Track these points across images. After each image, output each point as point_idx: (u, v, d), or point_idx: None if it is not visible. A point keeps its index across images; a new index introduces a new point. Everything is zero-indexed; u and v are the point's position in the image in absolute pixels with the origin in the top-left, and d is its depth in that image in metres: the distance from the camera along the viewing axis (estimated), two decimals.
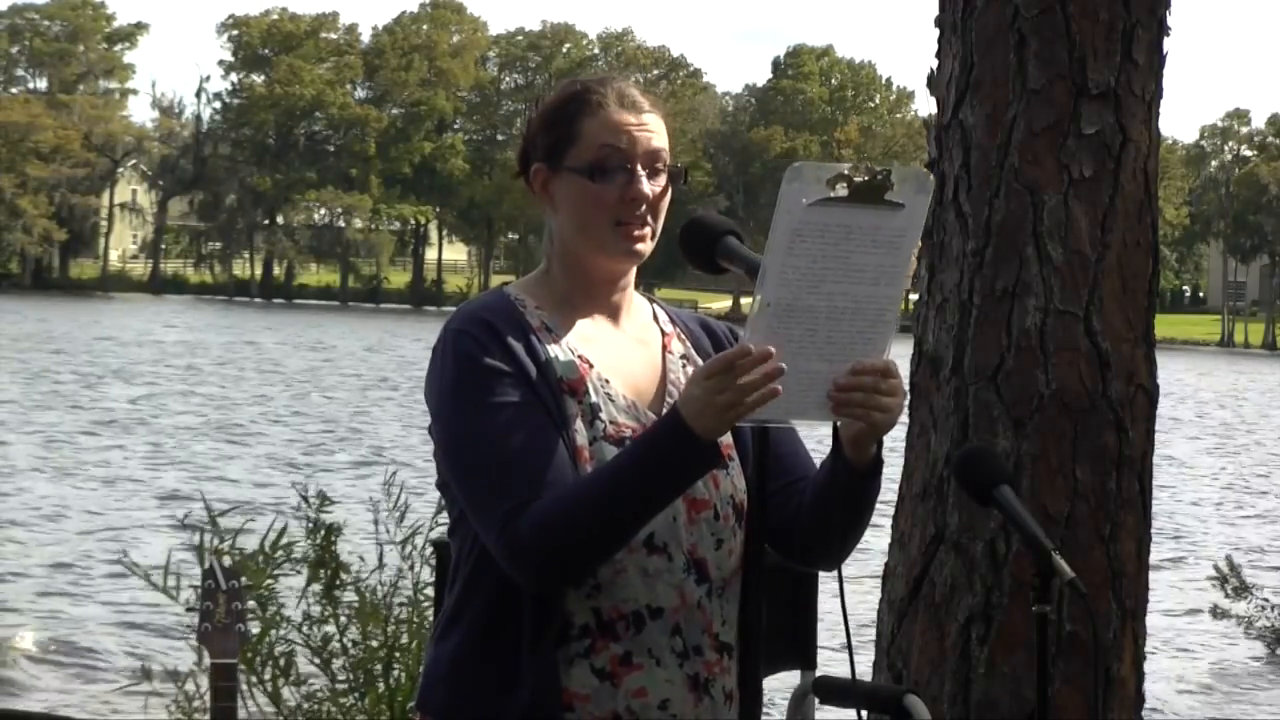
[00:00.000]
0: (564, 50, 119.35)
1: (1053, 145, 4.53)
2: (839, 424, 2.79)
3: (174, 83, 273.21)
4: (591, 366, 2.91)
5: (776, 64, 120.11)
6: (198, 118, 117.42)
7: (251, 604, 6.53)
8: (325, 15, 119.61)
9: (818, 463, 2.93)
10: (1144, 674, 4.66)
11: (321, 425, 31.80)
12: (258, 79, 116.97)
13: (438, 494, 3.03)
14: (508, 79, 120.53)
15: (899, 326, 2.73)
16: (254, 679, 6.98)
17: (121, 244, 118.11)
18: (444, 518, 3.06)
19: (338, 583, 7.21)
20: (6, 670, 12.07)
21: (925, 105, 4.84)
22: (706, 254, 2.88)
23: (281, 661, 7.04)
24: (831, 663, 3.64)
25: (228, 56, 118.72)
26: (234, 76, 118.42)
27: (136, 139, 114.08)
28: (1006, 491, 3.03)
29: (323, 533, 7.25)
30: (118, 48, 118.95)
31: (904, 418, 2.95)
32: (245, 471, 23.87)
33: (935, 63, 4.76)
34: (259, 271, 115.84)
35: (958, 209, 4.60)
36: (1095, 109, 4.54)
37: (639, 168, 2.89)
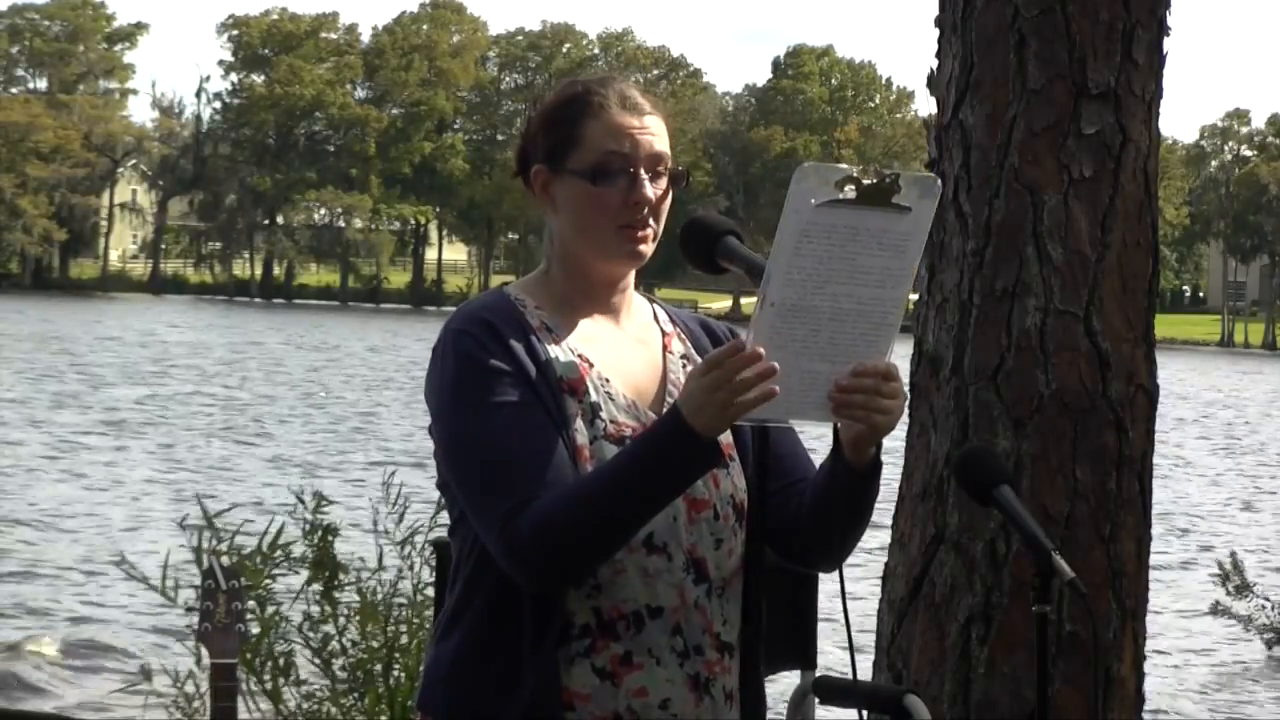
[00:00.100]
0: (564, 50, 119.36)
1: (1053, 145, 4.53)
2: (839, 425, 2.79)
3: (174, 83, 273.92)
4: (592, 366, 2.91)
5: (776, 64, 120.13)
6: (198, 118, 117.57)
7: (251, 604, 6.54)
8: (325, 15, 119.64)
9: (818, 463, 2.93)
10: (1144, 674, 4.66)
11: (329, 425, 31.83)
12: (258, 79, 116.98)
13: (438, 494, 3.03)
14: (508, 79, 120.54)
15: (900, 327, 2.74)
16: (254, 679, 6.98)
17: (121, 244, 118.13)
18: (444, 518, 3.05)
19: (336, 583, 7.21)
20: (8, 671, 12.07)
21: (925, 105, 4.84)
22: (706, 254, 2.88)
23: (281, 662, 7.04)
24: (831, 663, 3.64)
25: (228, 56, 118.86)
26: (234, 76, 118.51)
27: (136, 139, 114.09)
28: (1006, 491, 3.03)
29: (320, 533, 7.24)
30: (118, 48, 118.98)
31: (904, 418, 2.95)
32: (252, 472, 23.87)
33: (935, 63, 4.76)
34: (259, 271, 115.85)
35: (958, 209, 4.60)
36: (1095, 109, 4.54)
37: (641, 171, 2.89)
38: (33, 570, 15.96)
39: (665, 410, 2.81)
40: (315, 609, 7.21)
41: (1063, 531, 4.44)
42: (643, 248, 2.91)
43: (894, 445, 3.30)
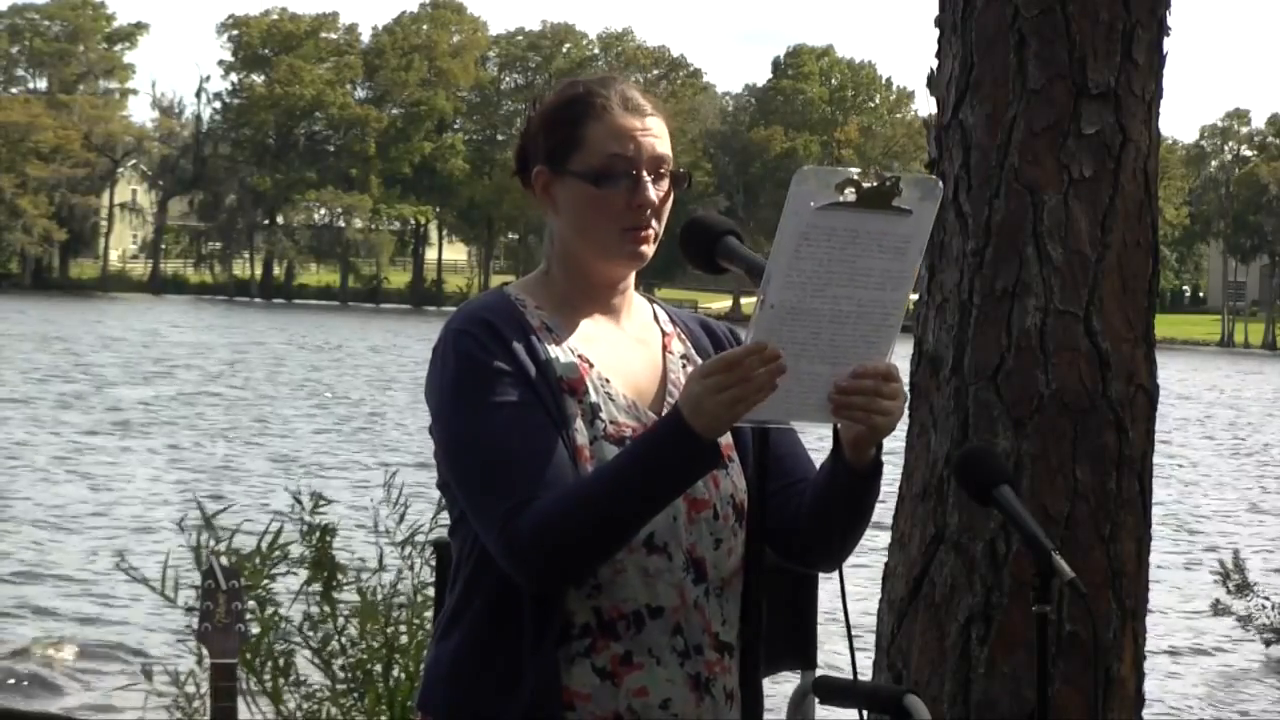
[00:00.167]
0: (564, 50, 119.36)
1: (1053, 145, 4.53)
2: (839, 426, 2.79)
3: (174, 83, 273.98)
4: (592, 366, 2.91)
5: (776, 64, 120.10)
6: (198, 118, 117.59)
7: (251, 604, 6.54)
8: (325, 15, 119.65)
9: (818, 464, 2.93)
10: (1144, 674, 4.66)
11: (334, 425, 31.83)
12: (258, 79, 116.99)
13: (438, 494, 3.03)
14: (508, 79, 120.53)
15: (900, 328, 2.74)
16: (254, 679, 6.97)
17: (121, 244, 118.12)
18: (445, 518, 3.05)
19: (334, 583, 7.21)
20: (9, 670, 12.08)
21: (925, 105, 4.84)
22: (706, 254, 2.88)
23: (281, 662, 7.04)
24: (832, 663, 3.64)
25: (228, 56, 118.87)
26: (234, 76, 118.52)
27: (136, 139, 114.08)
28: (1006, 491, 3.03)
29: (317, 534, 7.24)
30: (118, 48, 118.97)
31: (904, 418, 2.95)
32: (257, 472, 23.87)
33: (935, 63, 4.76)
34: (259, 271, 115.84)
35: (958, 209, 4.60)
36: (1095, 109, 4.54)
37: (644, 174, 2.89)
38: (35, 570, 15.97)
39: (666, 411, 2.81)
40: (315, 609, 7.21)
41: (1063, 531, 4.44)
42: (644, 250, 2.91)
43: (894, 445, 3.30)
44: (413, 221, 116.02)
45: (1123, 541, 4.54)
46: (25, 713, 10.25)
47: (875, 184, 2.61)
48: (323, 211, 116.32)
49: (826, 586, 3.33)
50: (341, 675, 7.15)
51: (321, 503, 7.42)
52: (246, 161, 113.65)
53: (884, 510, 3.50)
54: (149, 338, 59.92)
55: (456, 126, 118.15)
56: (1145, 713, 4.70)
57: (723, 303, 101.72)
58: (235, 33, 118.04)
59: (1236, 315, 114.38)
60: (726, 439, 2.86)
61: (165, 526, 17.78)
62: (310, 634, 7.15)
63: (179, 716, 7.06)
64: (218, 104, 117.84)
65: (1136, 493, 4.57)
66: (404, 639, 7.11)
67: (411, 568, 7.23)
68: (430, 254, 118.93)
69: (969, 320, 4.56)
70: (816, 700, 3.58)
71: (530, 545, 2.73)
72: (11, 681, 11.78)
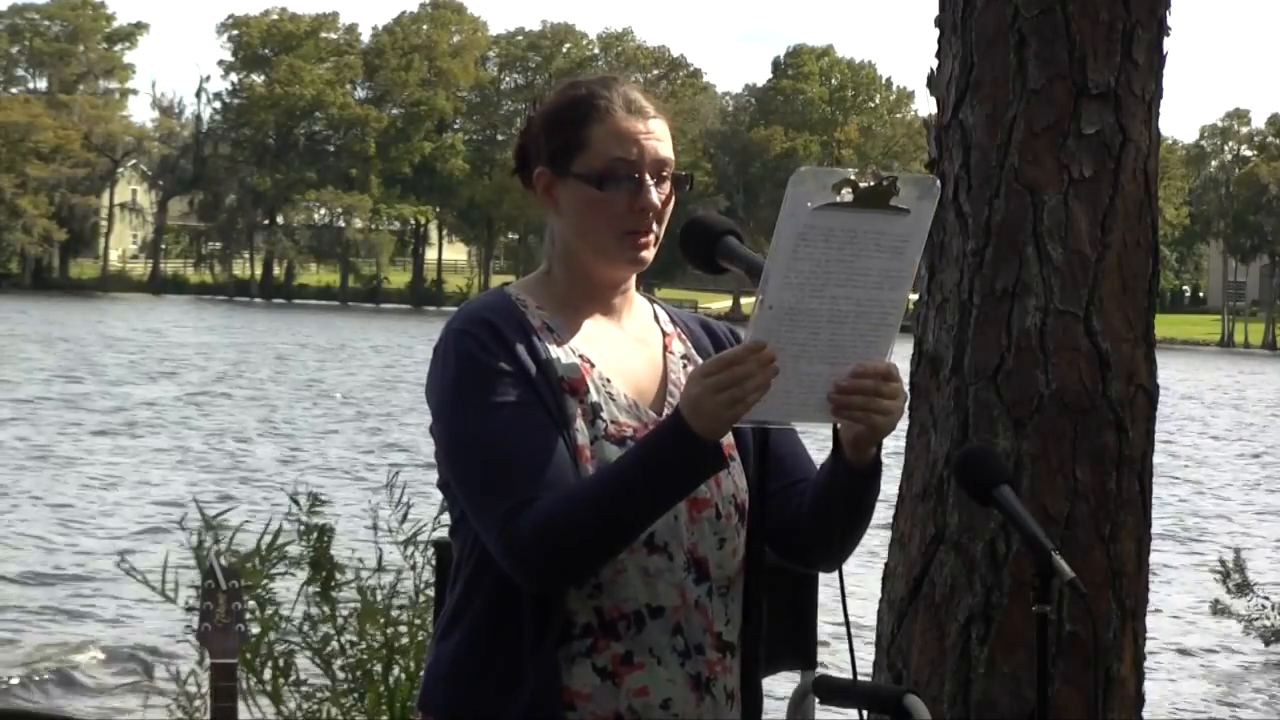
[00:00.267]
0: (564, 50, 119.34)
1: (1053, 145, 4.53)
2: (839, 426, 2.79)
3: (174, 83, 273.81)
4: (593, 366, 2.91)
5: (776, 64, 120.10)
6: (198, 118, 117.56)
7: (251, 604, 6.54)
8: (325, 15, 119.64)
9: (818, 464, 2.93)
10: (1144, 674, 4.66)
11: (339, 424, 31.82)
12: (258, 79, 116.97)
13: (439, 494, 3.03)
14: (508, 79, 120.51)
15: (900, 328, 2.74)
16: (254, 679, 6.97)
17: (121, 244, 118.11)
18: (446, 518, 3.05)
19: (333, 583, 7.21)
20: (10, 670, 12.07)
21: (925, 105, 4.84)
22: (706, 254, 2.88)
23: (281, 662, 7.04)
24: (832, 663, 3.64)
25: (228, 56, 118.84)
26: (234, 76, 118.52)
27: (136, 139, 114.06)
28: (1006, 491, 3.03)
29: (315, 534, 7.24)
30: (118, 48, 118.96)
31: (904, 418, 2.95)
32: (262, 472, 23.86)
33: (935, 63, 4.76)
34: (259, 271, 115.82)
35: (958, 209, 4.60)
36: (1095, 109, 4.54)
37: (647, 177, 2.89)
38: (37, 570, 15.97)
39: (668, 414, 2.81)
40: (315, 609, 7.21)
41: (1063, 531, 4.44)
42: (645, 253, 2.91)
43: (894, 445, 3.30)
44: (413, 221, 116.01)
45: (1123, 541, 4.54)
46: (26, 712, 10.25)
47: (872, 184, 2.61)
48: (323, 211, 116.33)
49: (827, 587, 3.33)
50: (342, 675, 7.15)
51: (318, 503, 7.42)
52: (246, 161, 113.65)
53: (884, 510, 3.50)
54: (151, 338, 59.91)
55: (456, 126, 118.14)
56: (1145, 713, 4.70)
57: (723, 303, 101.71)
58: (235, 33, 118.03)
59: (1236, 315, 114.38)
60: (727, 438, 2.86)
61: (168, 526, 17.79)
62: (310, 634, 7.15)
63: (179, 716, 7.06)
64: (218, 104, 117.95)
65: (1136, 493, 4.57)
66: (404, 639, 7.11)
67: (413, 568, 7.23)
68: (430, 254, 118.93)
69: (969, 320, 4.56)
70: (816, 700, 3.58)
71: (531, 545, 2.73)
72: (12, 681, 11.78)
